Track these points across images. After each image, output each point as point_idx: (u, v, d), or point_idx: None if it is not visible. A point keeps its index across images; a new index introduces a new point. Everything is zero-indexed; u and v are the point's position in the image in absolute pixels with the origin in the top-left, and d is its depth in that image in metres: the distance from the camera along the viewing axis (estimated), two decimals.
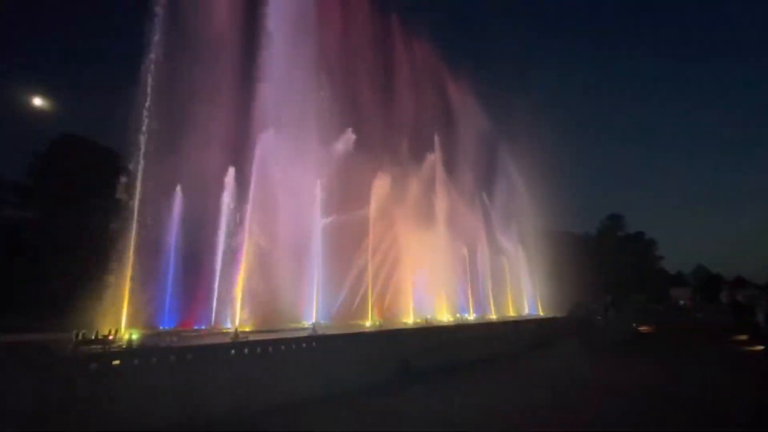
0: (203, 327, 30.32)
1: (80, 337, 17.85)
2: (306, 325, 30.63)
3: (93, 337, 18.34)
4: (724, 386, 26.79)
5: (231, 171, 33.08)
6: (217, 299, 31.08)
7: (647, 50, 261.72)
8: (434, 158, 52.52)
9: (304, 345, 23.00)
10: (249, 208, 32.29)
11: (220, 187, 32.98)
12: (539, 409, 21.61)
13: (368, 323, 36.89)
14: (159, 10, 28.32)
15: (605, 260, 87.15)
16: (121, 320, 23.61)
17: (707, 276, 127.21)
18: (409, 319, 41.50)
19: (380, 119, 47.19)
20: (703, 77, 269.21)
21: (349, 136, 40.41)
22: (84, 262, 26.76)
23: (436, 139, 53.47)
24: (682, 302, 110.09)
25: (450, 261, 50.35)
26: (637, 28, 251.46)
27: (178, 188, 31.73)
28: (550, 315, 64.15)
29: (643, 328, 68.50)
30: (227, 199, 33.00)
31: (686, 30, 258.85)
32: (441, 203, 50.95)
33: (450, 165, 55.55)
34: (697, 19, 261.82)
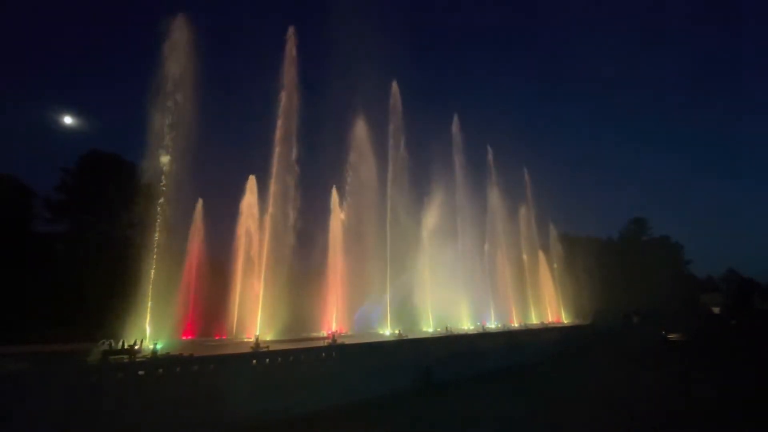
0: (225, 336, 30.73)
1: (107, 346, 18.36)
2: (325, 334, 30.71)
3: (119, 347, 18.81)
4: None
5: (251, 179, 33.79)
6: (239, 309, 31.54)
7: (671, 49, 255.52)
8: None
9: (323, 354, 23.00)
10: (269, 219, 32.84)
11: (242, 199, 33.81)
12: (571, 427, 20.40)
13: (388, 332, 36.68)
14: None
15: (630, 266, 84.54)
16: (145, 330, 24.14)
17: (739, 280, 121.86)
18: (429, 327, 41.08)
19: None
20: (730, 76, 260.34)
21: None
22: (112, 274, 27.54)
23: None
24: (716, 309, 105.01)
25: (470, 269, 49.71)
26: (664, 29, 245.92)
27: (200, 202, 32.56)
28: (574, 323, 62.47)
29: (672, 336, 65.92)
30: (248, 210, 33.69)
31: (714, 32, 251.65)
32: (461, 211, 50.68)
33: (468, 174, 55.23)
34: (727, 22, 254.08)
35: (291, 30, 36.55)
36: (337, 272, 37.64)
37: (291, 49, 36.09)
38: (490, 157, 60.23)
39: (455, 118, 54.73)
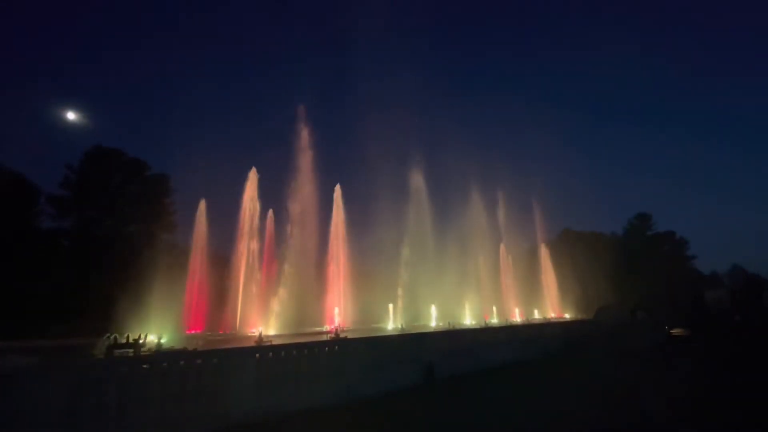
0: (229, 331, 30.92)
1: (112, 341, 18.52)
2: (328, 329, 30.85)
3: (124, 341, 18.97)
4: None
5: (253, 172, 33.88)
6: (242, 304, 31.70)
7: (676, 44, 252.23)
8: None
9: (326, 349, 23.05)
10: (272, 214, 32.94)
11: (246, 195, 33.87)
12: (575, 422, 19.63)
13: (390, 326, 36.77)
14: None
15: (634, 261, 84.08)
16: (150, 325, 24.34)
17: (744, 276, 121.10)
18: (431, 322, 41.17)
19: None
20: (738, 68, 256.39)
21: None
22: (117, 269, 27.74)
23: None
24: (720, 305, 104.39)
25: (473, 264, 49.73)
26: (667, 21, 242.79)
27: (204, 198, 32.68)
28: (576, 318, 62.40)
29: (675, 332, 65.70)
30: (252, 207, 33.75)
31: (723, 21, 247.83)
32: (464, 206, 50.72)
33: (472, 169, 55.16)
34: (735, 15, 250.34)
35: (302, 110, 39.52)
36: (340, 267, 37.70)
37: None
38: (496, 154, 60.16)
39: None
